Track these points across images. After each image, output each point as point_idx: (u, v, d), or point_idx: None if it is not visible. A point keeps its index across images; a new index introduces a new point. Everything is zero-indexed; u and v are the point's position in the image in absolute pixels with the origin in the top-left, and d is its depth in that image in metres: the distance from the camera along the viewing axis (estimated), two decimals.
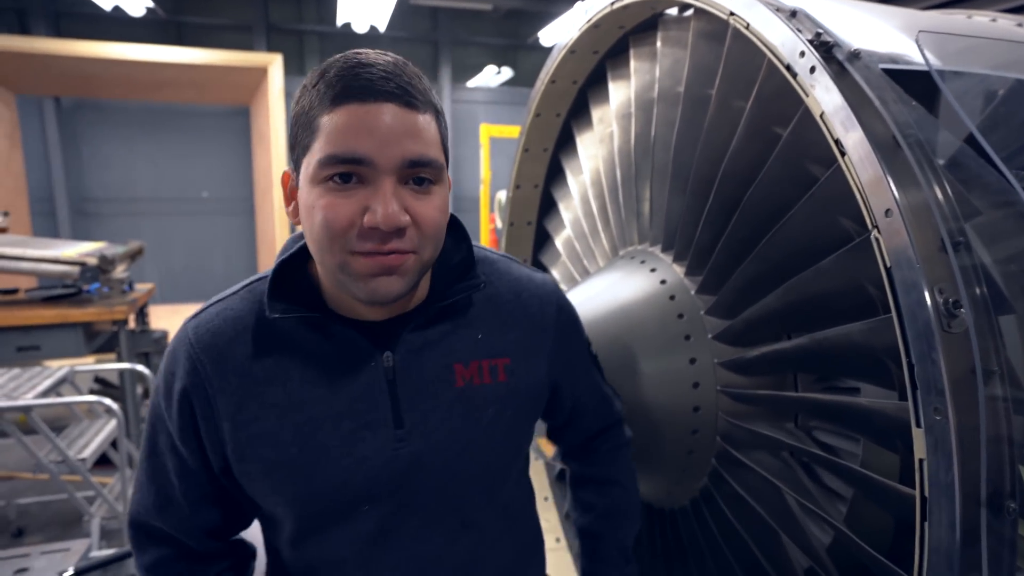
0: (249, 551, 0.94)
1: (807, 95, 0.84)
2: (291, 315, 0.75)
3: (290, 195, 0.77)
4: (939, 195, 0.75)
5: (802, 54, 0.85)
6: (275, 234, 7.31)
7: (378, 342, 0.79)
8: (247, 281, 0.83)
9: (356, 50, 0.72)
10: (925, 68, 0.87)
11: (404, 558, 0.83)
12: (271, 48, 8.75)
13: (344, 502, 0.79)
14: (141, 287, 3.71)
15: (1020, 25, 1.29)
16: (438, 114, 0.73)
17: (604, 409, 1.05)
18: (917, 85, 0.87)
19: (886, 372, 0.93)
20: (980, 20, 1.35)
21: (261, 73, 7.15)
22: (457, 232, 0.85)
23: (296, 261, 0.80)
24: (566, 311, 0.93)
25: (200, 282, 9.03)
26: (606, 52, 1.72)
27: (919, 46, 0.84)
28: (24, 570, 1.83)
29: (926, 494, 0.69)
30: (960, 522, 0.66)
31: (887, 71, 0.86)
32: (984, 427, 0.67)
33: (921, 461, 0.69)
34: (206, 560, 0.87)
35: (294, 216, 0.76)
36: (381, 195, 0.67)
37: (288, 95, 7.78)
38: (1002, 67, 0.98)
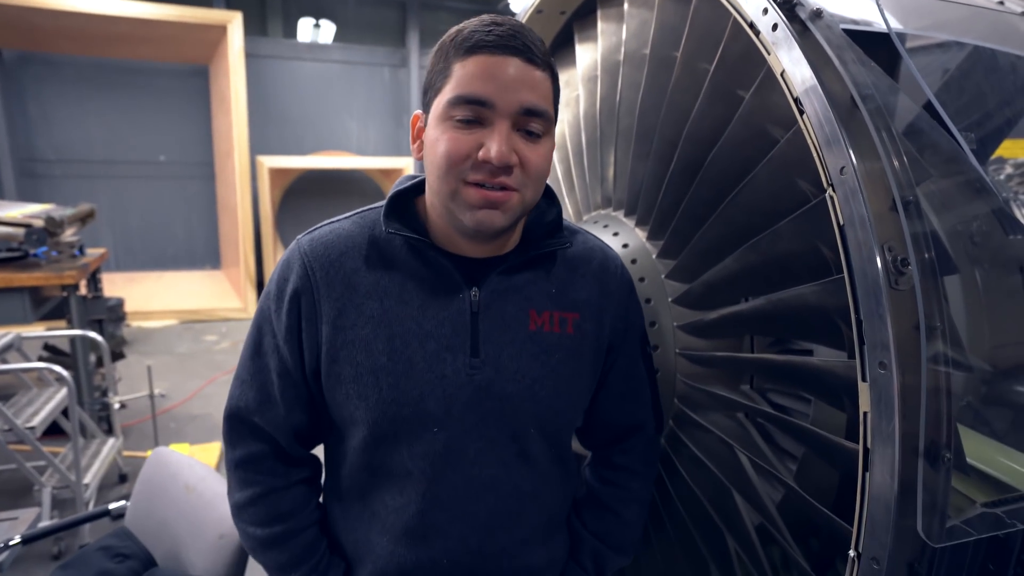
0: (320, 467, 1.02)
1: (769, 53, 0.84)
2: (403, 233, 0.86)
3: (417, 134, 0.88)
4: (892, 157, 0.76)
5: (765, 11, 0.84)
6: (237, 199, 7.12)
7: (469, 277, 0.88)
8: (358, 209, 0.95)
9: (490, 14, 0.83)
10: (885, 30, 0.87)
11: (463, 479, 0.90)
12: (231, 6, 8.39)
13: (419, 415, 0.87)
14: (93, 252, 3.58)
15: None
16: (554, 76, 0.84)
17: (638, 408, 1.06)
18: (881, 48, 0.88)
19: (838, 333, 0.96)
20: None
21: (220, 31, 6.89)
22: (550, 197, 0.95)
23: (407, 195, 0.91)
24: (629, 284, 1.03)
25: (158, 248, 8.75)
26: (573, 12, 1.69)
27: (879, 7, 0.84)
28: None
29: (868, 445, 0.71)
30: (899, 471, 0.69)
31: (848, 32, 0.86)
32: (925, 381, 0.69)
33: (865, 414, 0.71)
34: (292, 462, 0.96)
35: (418, 152, 0.88)
36: (497, 134, 0.77)
37: (249, 55, 7.51)
38: (962, 32, 0.99)
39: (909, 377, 0.69)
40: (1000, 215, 0.97)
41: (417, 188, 0.92)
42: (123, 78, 8.20)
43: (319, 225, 0.93)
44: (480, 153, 0.77)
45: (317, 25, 9.56)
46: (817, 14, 0.85)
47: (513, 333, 0.90)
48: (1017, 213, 1.20)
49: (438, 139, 0.80)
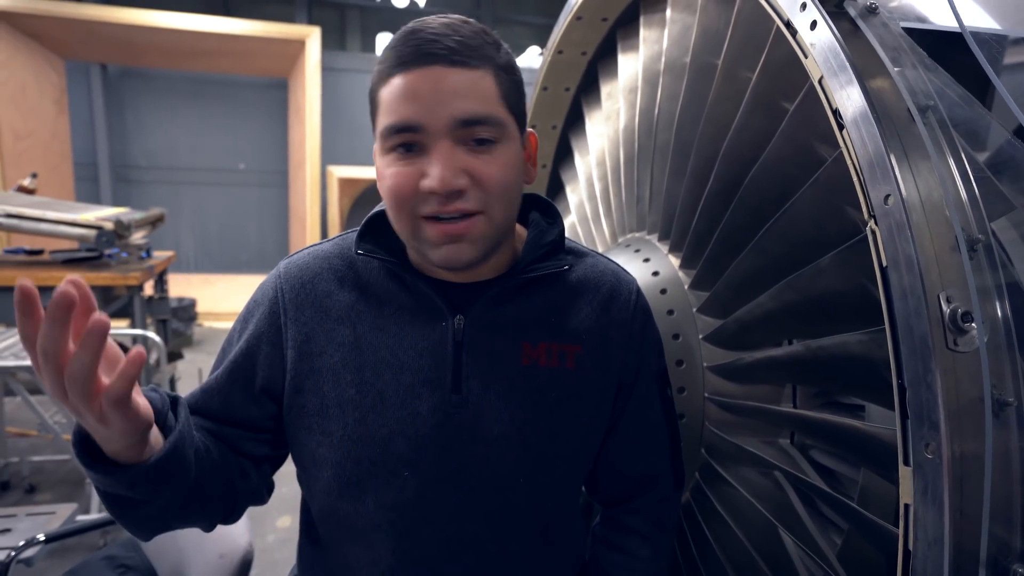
0: (257, 486, 0.86)
1: (806, 56, 0.70)
2: (375, 256, 0.78)
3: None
4: (958, 182, 0.61)
5: (803, 7, 0.71)
6: (306, 207, 7.34)
7: (453, 304, 0.79)
8: (345, 231, 0.88)
9: (420, 19, 0.72)
10: (959, 29, 0.72)
11: (439, 536, 0.80)
12: (312, 21, 8.74)
13: (388, 456, 0.78)
14: (160, 254, 3.72)
15: None
16: (498, 68, 0.71)
17: (652, 459, 0.91)
18: (958, 52, 0.72)
19: (888, 391, 0.80)
20: None
21: (299, 45, 7.16)
22: (552, 215, 0.85)
23: (387, 216, 0.81)
24: (645, 314, 0.89)
25: (233, 252, 9.17)
26: (616, 19, 1.58)
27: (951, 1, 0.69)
28: (7, 531, 1.83)
29: (910, 547, 0.56)
30: None
31: (911, 30, 0.72)
32: (990, 470, 0.54)
33: (907, 506, 0.57)
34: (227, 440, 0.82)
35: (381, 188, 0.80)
36: (434, 158, 0.68)
37: (325, 69, 7.77)
38: None
39: (968, 464, 0.54)
40: None
41: None
42: (209, 90, 8.69)
43: (305, 247, 0.87)
44: (421, 184, 0.68)
45: None
46: (871, 9, 0.71)
47: (502, 368, 0.79)
48: None
49: (383, 176, 0.72)
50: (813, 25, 0.69)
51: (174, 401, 0.71)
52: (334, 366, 0.78)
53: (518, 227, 0.86)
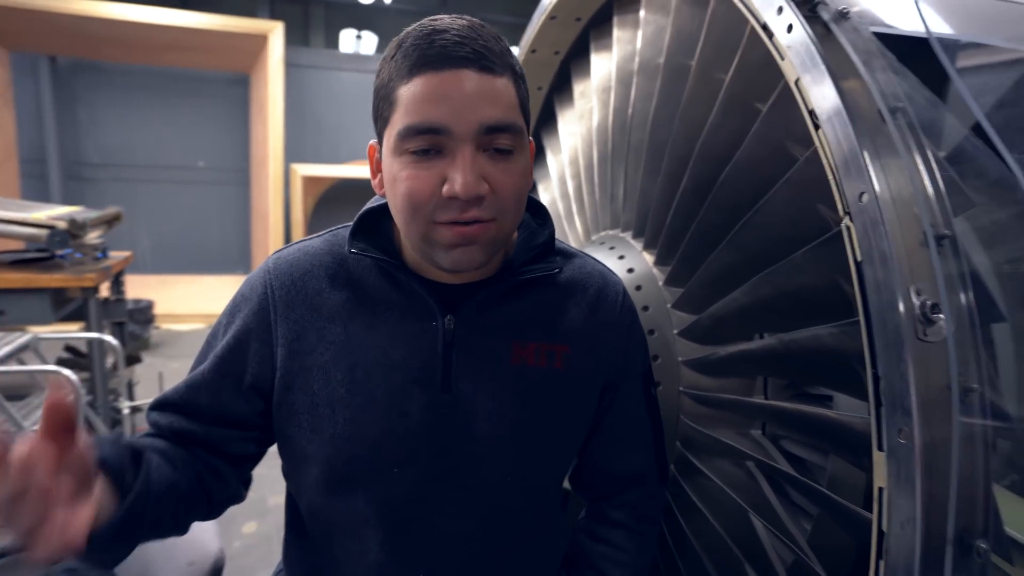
0: (233, 492, 0.86)
1: (783, 58, 0.73)
2: (368, 254, 0.77)
3: (376, 167, 0.78)
4: (926, 180, 0.64)
5: (780, 10, 0.73)
6: (269, 206, 7.20)
7: (444, 304, 0.79)
8: (334, 227, 0.87)
9: (432, 17, 0.71)
10: (925, 34, 0.75)
11: (430, 532, 0.81)
12: (275, 16, 8.57)
13: (379, 454, 0.78)
14: (116, 255, 3.60)
15: None
16: (518, 77, 0.72)
17: (638, 456, 0.93)
18: (931, 58, 0.75)
19: (859, 381, 0.83)
20: None
21: (261, 40, 7.01)
22: (542, 216, 0.85)
23: (380, 213, 0.81)
24: (632, 315, 0.91)
25: (192, 252, 8.92)
26: (590, 19, 1.60)
27: (916, 5, 0.72)
28: None
29: (884, 528, 0.59)
30: (920, 562, 0.56)
31: (882, 36, 0.75)
32: (957, 454, 0.57)
33: (880, 490, 0.59)
34: (202, 443, 0.81)
35: (380, 188, 0.77)
36: (459, 164, 0.67)
37: (289, 65, 7.63)
38: (1020, 39, 0.86)
39: (937, 448, 0.57)
40: None
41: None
42: (167, 85, 8.44)
43: (293, 243, 0.86)
44: (444, 189, 0.67)
45: (359, 36, 9.70)
46: (843, 15, 0.74)
47: (492, 368, 0.80)
48: None
49: (396, 177, 0.70)
50: (790, 28, 0.71)
51: (135, 454, 0.70)
52: (324, 365, 0.78)
53: None
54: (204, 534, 1.37)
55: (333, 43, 9.64)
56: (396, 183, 0.70)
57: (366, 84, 8.84)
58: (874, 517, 0.60)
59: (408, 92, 0.67)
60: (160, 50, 7.32)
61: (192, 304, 7.62)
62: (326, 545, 0.85)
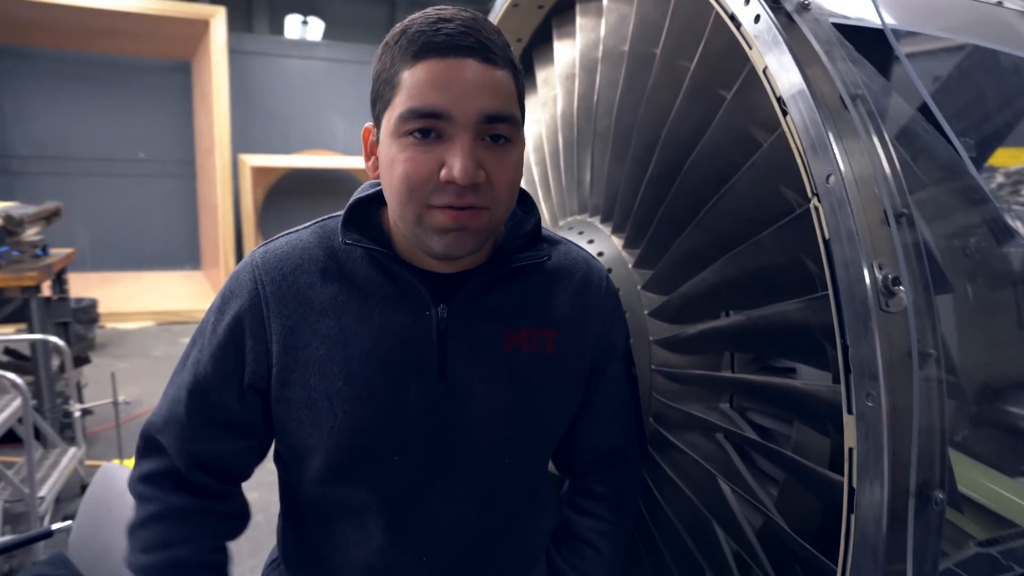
0: (244, 508, 0.91)
1: (750, 47, 0.76)
2: (362, 244, 0.78)
3: (370, 150, 0.79)
4: (884, 163, 0.69)
5: (747, 2, 0.77)
6: (218, 198, 6.98)
7: (437, 293, 0.80)
8: (318, 219, 0.86)
9: (437, 7, 0.72)
10: (879, 26, 0.80)
11: (429, 516, 0.83)
12: (216, 0, 8.25)
13: (379, 444, 0.79)
14: (58, 252, 3.45)
15: None
16: (516, 71, 0.74)
17: (621, 434, 0.96)
18: (873, 46, 0.80)
19: (822, 352, 0.89)
20: None
21: (203, 26, 6.77)
22: (527, 205, 0.87)
23: (369, 203, 0.82)
24: (615, 300, 0.94)
25: (136, 248, 8.57)
26: (552, 7, 1.62)
27: (874, 1, 0.77)
28: None
29: (854, 484, 0.64)
30: (887, 514, 0.62)
31: (839, 27, 0.79)
32: (917, 414, 0.62)
33: (851, 450, 0.64)
34: (196, 491, 0.84)
35: (373, 170, 0.79)
36: (458, 150, 0.68)
37: (232, 52, 7.37)
38: (961, 30, 0.93)
39: (900, 410, 0.62)
40: (995, 226, 0.91)
41: (380, 196, 0.83)
42: (102, 73, 8.04)
43: (277, 236, 0.85)
44: (442, 173, 0.69)
45: (305, 22, 9.44)
46: (804, 6, 0.78)
47: (486, 354, 0.81)
48: (1011, 224, 1.14)
49: (394, 159, 0.71)
50: (757, 19, 0.75)
51: None
52: (320, 359, 0.78)
53: None
54: None
55: (278, 29, 9.36)
56: (394, 164, 0.71)
57: (314, 72, 8.62)
58: (845, 475, 0.65)
59: (412, 76, 0.68)
60: (93, 36, 6.98)
61: (138, 301, 7.34)
62: (325, 533, 0.85)
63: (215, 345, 0.80)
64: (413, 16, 0.72)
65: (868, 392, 0.62)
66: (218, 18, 6.65)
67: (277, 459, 0.90)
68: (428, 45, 0.68)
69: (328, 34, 9.52)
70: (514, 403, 0.82)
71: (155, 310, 7.20)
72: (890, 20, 0.82)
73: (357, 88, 9.44)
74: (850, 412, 0.64)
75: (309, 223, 0.86)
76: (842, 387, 0.65)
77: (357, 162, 8.34)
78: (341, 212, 0.82)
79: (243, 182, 7.56)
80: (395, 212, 0.75)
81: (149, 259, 8.59)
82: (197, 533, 0.83)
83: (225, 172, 6.89)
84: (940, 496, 0.64)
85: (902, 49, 0.81)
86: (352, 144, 9.46)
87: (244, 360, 0.79)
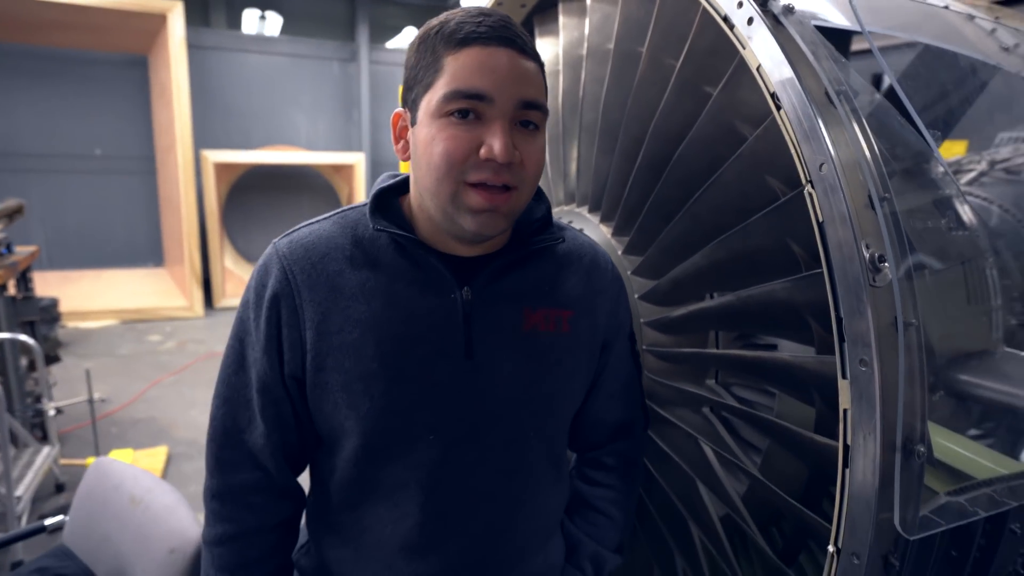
0: (302, 501, 0.95)
1: (744, 47, 0.83)
2: (390, 231, 0.82)
3: (400, 134, 0.84)
4: (867, 152, 0.76)
5: (740, 5, 0.83)
6: (180, 195, 6.82)
7: (460, 276, 0.84)
8: (337, 210, 0.90)
9: (470, 6, 0.79)
10: (851, 27, 0.87)
11: (461, 490, 0.87)
12: None
13: (413, 423, 0.83)
14: (23, 250, 3.35)
15: None
16: (543, 66, 0.81)
17: (629, 408, 1.03)
18: (838, 45, 0.88)
19: (806, 328, 0.96)
20: None
21: (160, 20, 6.58)
22: (538, 193, 0.91)
23: (390, 192, 0.87)
24: (620, 282, 0.99)
25: (96, 246, 8.30)
26: (534, 6, 1.66)
27: (852, 6, 0.84)
28: None
29: (849, 442, 0.71)
30: (879, 467, 0.69)
31: (820, 28, 0.86)
32: (903, 377, 0.69)
33: (845, 411, 0.71)
34: (277, 495, 0.89)
35: (403, 152, 0.83)
36: (498, 129, 0.74)
37: (190, 46, 7.19)
38: (916, 32, 1.01)
39: (888, 373, 0.69)
40: (949, 210, 1.00)
41: (399, 187, 0.88)
42: (56, 67, 7.74)
43: (296, 228, 0.88)
44: (482, 151, 0.74)
45: (263, 17, 9.25)
46: (789, 9, 0.84)
47: (508, 334, 0.86)
48: (960, 209, 1.24)
49: (434, 137, 0.75)
50: (750, 21, 0.81)
51: None
52: (354, 342, 0.81)
53: None
54: (181, 522, 1.36)
55: (236, 23, 9.15)
56: (433, 143, 0.75)
57: (274, 67, 8.41)
58: (840, 434, 0.72)
59: (456, 61, 0.74)
60: (46, 29, 6.71)
61: (100, 300, 7.14)
62: (358, 515, 0.89)
63: (263, 339, 0.83)
64: (450, 12, 0.78)
65: (862, 358, 0.69)
66: (175, 12, 6.48)
67: (311, 454, 0.93)
68: (473, 34, 0.74)
69: (286, 29, 9.35)
70: (537, 379, 0.87)
71: (118, 308, 7.01)
72: (844, 21, 0.90)
73: (317, 84, 9.30)
74: (845, 377, 0.71)
75: (325, 215, 0.89)
76: (836, 356, 0.72)
77: (320, 157, 8.24)
78: (361, 203, 0.87)
79: (206, 178, 7.40)
80: (429, 190, 0.78)
81: (110, 257, 8.33)
82: (268, 550, 0.90)
83: (187, 169, 6.73)
84: (922, 450, 0.72)
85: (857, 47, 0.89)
86: (315, 140, 9.32)
87: (284, 352, 0.83)
